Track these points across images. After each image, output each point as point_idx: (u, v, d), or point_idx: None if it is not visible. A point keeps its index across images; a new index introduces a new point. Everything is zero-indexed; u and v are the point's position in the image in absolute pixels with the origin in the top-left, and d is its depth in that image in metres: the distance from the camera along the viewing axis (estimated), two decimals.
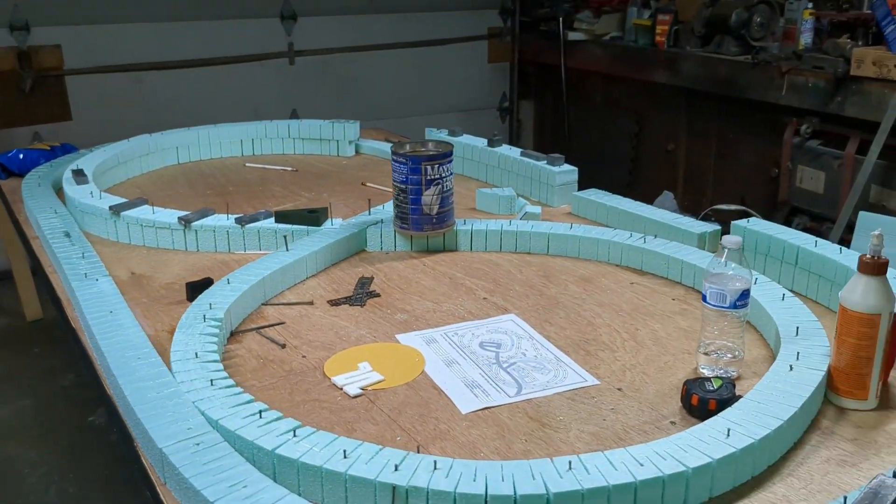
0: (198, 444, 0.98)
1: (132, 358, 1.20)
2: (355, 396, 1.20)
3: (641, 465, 0.93)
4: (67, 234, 1.73)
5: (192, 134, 2.52)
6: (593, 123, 4.39)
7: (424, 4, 4.52)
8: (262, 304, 1.51)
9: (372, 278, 1.63)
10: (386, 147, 2.55)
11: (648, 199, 2.26)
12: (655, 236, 1.70)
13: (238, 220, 1.77)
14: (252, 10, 4.12)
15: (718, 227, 1.71)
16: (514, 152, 2.20)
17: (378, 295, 1.56)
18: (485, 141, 2.29)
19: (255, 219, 1.78)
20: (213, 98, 4.09)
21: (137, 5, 3.89)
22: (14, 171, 2.30)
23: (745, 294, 1.20)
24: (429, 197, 1.70)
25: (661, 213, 1.80)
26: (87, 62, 3.82)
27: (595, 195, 1.96)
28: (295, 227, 1.76)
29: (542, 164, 2.09)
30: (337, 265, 1.70)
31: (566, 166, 2.07)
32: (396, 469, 0.92)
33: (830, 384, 1.15)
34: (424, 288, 1.59)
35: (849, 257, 1.42)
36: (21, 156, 2.30)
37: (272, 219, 1.78)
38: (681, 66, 3.59)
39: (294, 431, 0.99)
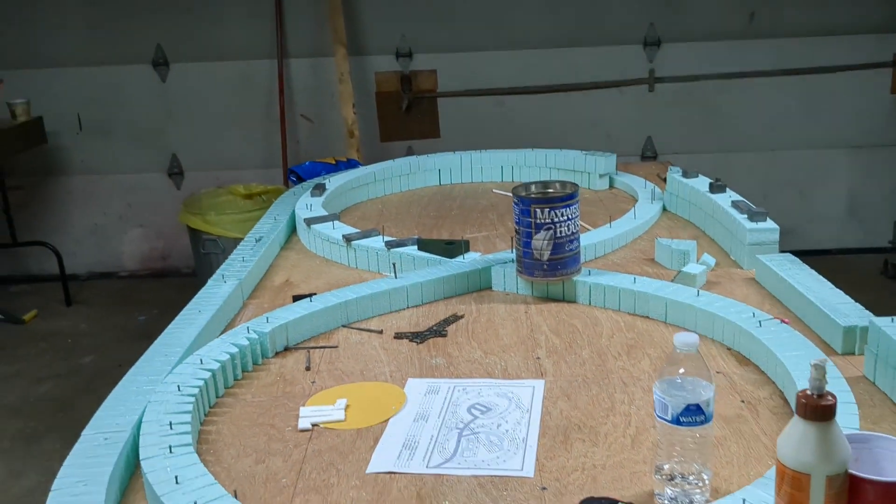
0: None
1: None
2: (302, 430, 1.22)
3: None
4: (258, 239, 1.99)
5: (455, 158, 2.65)
6: None
7: (815, 27, 4.05)
8: (343, 326, 1.59)
9: (461, 317, 1.60)
10: (642, 183, 2.40)
11: None
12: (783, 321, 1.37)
13: (387, 244, 1.86)
14: (614, 37, 4.12)
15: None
16: (726, 200, 1.92)
17: (444, 335, 1.52)
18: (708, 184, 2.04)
19: (402, 244, 1.86)
20: (568, 122, 4.20)
21: (506, 34, 4.16)
22: (304, 178, 2.68)
23: (692, 409, 0.95)
24: (538, 242, 1.60)
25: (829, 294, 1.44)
26: (457, 86, 4.21)
27: (780, 262, 1.64)
28: (432, 255, 1.79)
29: (740, 217, 1.80)
30: (453, 298, 1.70)
31: (765, 223, 1.75)
32: None
33: None
34: (496, 336, 1.51)
35: None
36: (307, 166, 2.67)
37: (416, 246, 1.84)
38: None
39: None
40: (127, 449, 1.12)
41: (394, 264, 1.76)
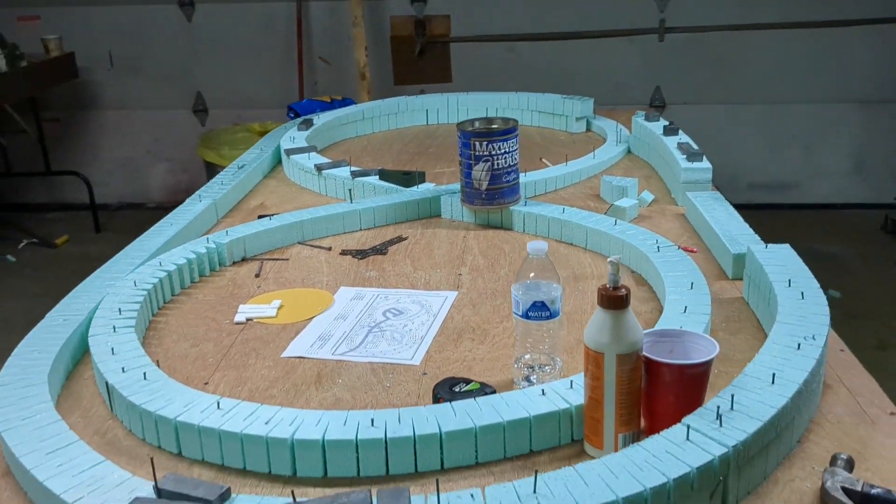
0: None
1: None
2: (237, 323, 1.41)
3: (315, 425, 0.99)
4: (240, 166, 2.17)
5: (442, 99, 2.79)
6: None
7: None
8: (298, 242, 1.76)
9: (405, 238, 1.76)
10: (614, 126, 2.52)
11: None
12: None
13: (352, 173, 2.02)
14: None
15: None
16: (674, 142, 2.04)
17: (384, 253, 1.69)
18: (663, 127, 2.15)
19: (366, 174, 2.02)
20: (578, 70, 4.28)
21: None
22: (301, 115, 2.85)
23: (538, 305, 1.10)
24: (477, 172, 1.75)
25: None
26: (469, 31, 4.30)
27: (704, 199, 1.76)
28: (390, 185, 1.95)
29: (680, 157, 1.92)
30: (403, 224, 1.86)
31: (700, 163, 1.87)
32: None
33: None
34: (429, 256, 1.67)
35: None
36: (305, 103, 2.83)
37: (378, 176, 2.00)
38: None
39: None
40: (81, 329, 1.32)
41: (349, 190, 1.93)
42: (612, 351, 0.94)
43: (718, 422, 0.91)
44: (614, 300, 0.94)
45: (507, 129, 1.73)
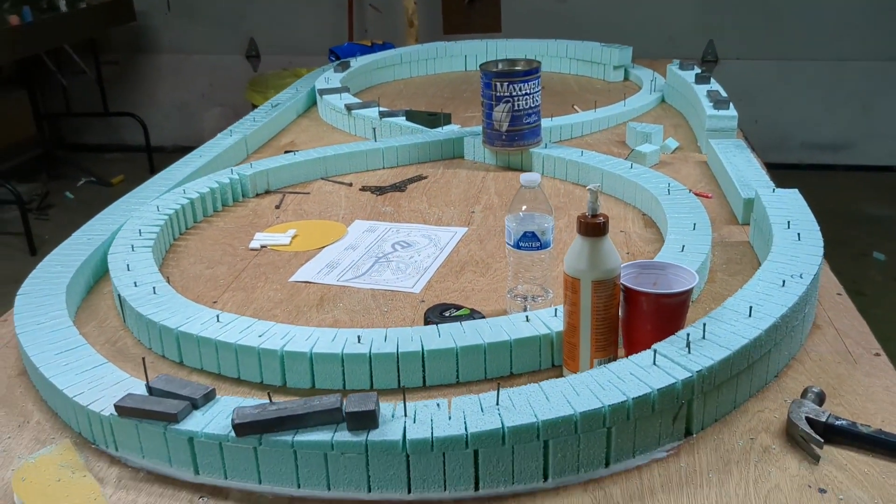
0: None
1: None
2: (252, 249, 1.46)
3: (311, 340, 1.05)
4: (274, 105, 2.22)
5: (481, 45, 2.79)
6: None
7: None
8: (321, 178, 1.81)
9: (425, 177, 1.80)
10: (651, 76, 2.49)
11: None
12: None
13: (380, 114, 2.05)
14: None
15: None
16: (702, 89, 2.02)
17: (403, 190, 1.73)
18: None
19: (393, 114, 2.05)
20: (630, 23, 4.22)
21: None
22: (342, 58, 2.88)
23: (528, 236, 1.13)
24: (498, 113, 1.76)
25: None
26: None
27: (726, 146, 1.75)
28: (416, 125, 1.98)
29: (707, 105, 1.90)
30: (426, 164, 1.89)
31: (726, 111, 1.85)
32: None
33: None
34: (446, 194, 1.70)
35: None
36: (346, 47, 2.86)
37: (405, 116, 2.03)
38: None
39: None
40: (105, 247, 1.39)
41: (374, 128, 1.96)
42: (588, 277, 0.97)
43: (687, 349, 0.93)
44: (591, 227, 0.96)
45: (529, 70, 1.74)
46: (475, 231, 1.52)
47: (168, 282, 1.24)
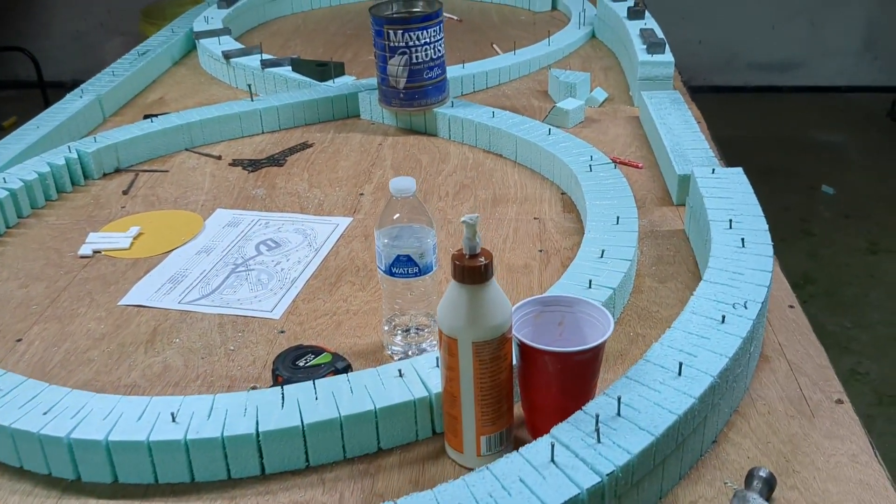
0: None
1: None
2: (82, 256, 1.19)
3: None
4: (142, 53, 1.89)
5: None
6: None
7: None
8: (186, 149, 1.52)
9: (311, 145, 1.52)
10: (580, 6, 2.20)
11: None
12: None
13: (262, 63, 1.75)
14: None
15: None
16: (635, 27, 1.75)
17: (281, 164, 1.45)
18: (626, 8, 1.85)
19: (278, 63, 1.74)
20: None
21: None
22: None
23: (403, 260, 0.87)
24: (393, 67, 1.48)
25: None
26: None
27: (660, 100, 1.50)
28: (305, 77, 1.68)
29: (640, 47, 1.63)
30: (314, 126, 1.60)
31: (660, 56, 1.59)
32: None
33: None
34: (332, 169, 1.43)
35: None
36: None
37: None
38: None
39: None
40: None
41: (249, 85, 1.66)
42: (467, 337, 0.72)
43: (596, 436, 0.69)
44: (469, 272, 0.71)
45: (429, 15, 1.45)
46: (361, 222, 1.25)
47: None
